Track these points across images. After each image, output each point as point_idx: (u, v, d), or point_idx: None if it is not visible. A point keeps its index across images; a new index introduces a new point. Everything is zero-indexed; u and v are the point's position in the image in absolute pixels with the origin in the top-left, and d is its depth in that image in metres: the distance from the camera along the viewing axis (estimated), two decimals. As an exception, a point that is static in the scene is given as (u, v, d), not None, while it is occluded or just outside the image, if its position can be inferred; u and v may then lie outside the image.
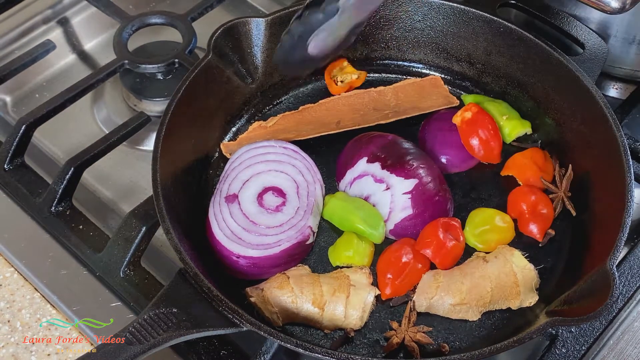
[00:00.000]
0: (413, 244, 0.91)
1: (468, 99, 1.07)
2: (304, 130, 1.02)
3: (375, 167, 0.94)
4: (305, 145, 0.99)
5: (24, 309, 0.91)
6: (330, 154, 1.02)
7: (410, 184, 0.92)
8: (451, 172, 1.00)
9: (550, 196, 0.96)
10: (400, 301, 0.89)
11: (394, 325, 0.86)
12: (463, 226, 0.93)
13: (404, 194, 0.92)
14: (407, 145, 0.97)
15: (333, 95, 1.07)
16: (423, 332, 0.85)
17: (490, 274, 0.87)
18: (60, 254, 0.95)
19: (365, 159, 0.95)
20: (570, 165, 0.98)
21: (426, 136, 1.02)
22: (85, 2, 1.25)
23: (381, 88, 1.07)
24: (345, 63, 1.09)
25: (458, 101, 1.06)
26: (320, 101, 1.06)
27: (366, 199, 0.95)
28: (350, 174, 0.96)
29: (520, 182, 0.98)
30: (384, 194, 0.93)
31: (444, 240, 0.90)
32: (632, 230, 0.95)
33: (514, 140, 1.03)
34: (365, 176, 0.95)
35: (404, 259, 0.89)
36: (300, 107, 1.05)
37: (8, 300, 0.92)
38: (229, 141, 1.04)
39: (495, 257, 0.89)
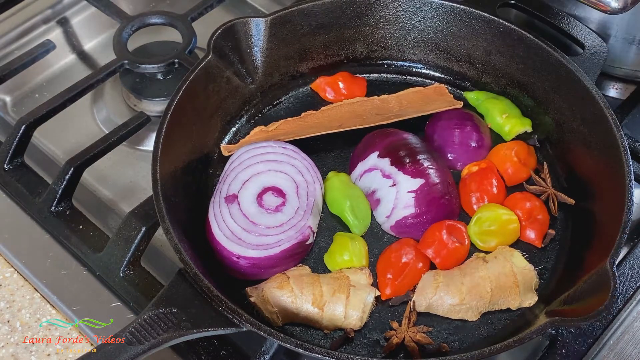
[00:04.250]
0: (414, 244, 0.91)
1: (470, 95, 1.07)
2: (305, 132, 1.02)
3: (385, 162, 0.94)
4: (305, 145, 0.99)
5: (24, 309, 0.91)
6: (330, 154, 1.02)
7: (416, 183, 0.92)
8: (458, 170, 1.00)
9: (542, 197, 0.96)
10: (400, 301, 0.89)
11: (394, 325, 0.86)
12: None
13: (408, 192, 0.92)
14: (421, 145, 0.97)
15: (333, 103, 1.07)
16: (423, 332, 0.85)
17: (490, 275, 0.87)
18: (60, 254, 0.95)
19: (376, 153, 0.95)
20: (545, 162, 0.99)
21: (434, 134, 1.02)
22: (85, 2, 1.25)
23: (385, 96, 1.07)
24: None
25: (462, 103, 1.06)
26: (322, 108, 1.05)
27: (373, 192, 0.95)
28: (361, 167, 0.97)
29: (502, 175, 0.98)
30: (389, 190, 0.93)
31: (446, 242, 0.89)
32: (632, 230, 0.95)
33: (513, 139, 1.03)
34: (374, 170, 0.95)
35: (404, 259, 0.89)
36: (303, 114, 1.05)
37: (8, 300, 0.92)
38: (229, 142, 1.04)
39: (495, 258, 0.89)
